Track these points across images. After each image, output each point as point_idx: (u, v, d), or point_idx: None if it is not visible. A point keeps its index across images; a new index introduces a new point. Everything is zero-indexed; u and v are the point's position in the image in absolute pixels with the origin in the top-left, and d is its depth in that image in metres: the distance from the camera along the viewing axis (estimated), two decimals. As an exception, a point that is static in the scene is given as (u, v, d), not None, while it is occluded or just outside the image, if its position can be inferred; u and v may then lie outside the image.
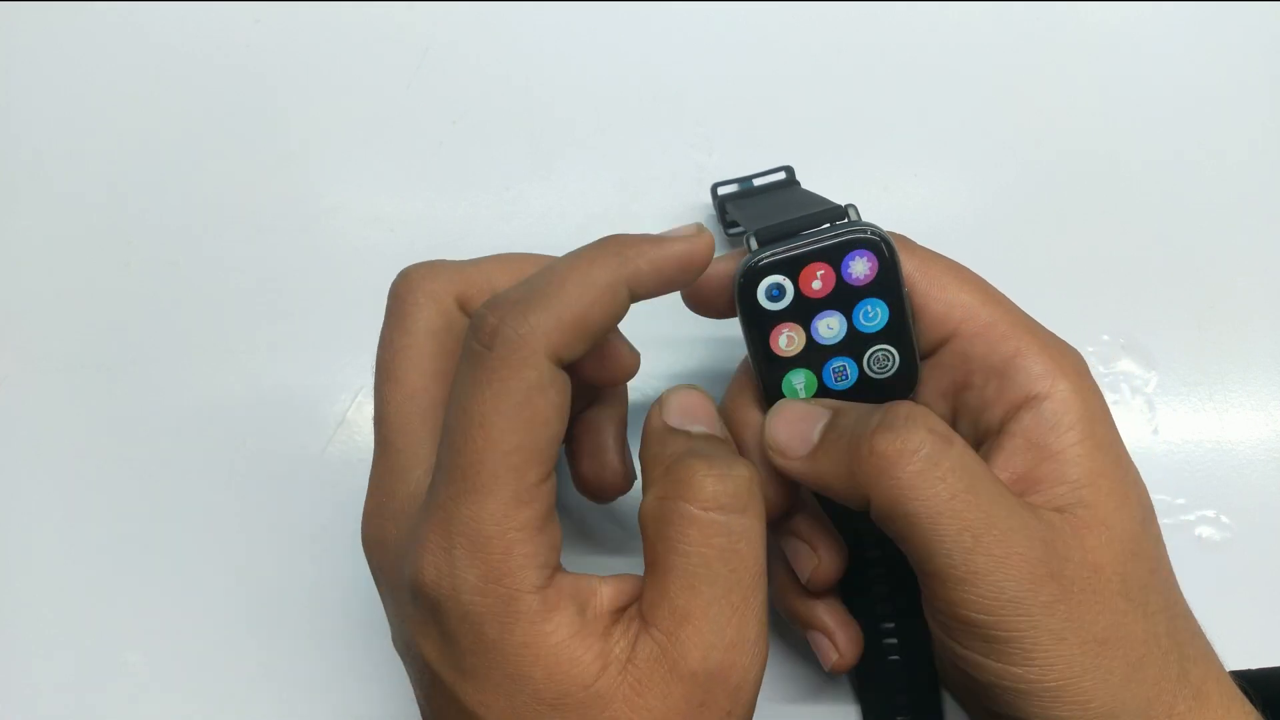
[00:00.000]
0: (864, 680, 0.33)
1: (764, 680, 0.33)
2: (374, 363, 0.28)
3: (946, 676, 0.32)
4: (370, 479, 0.27)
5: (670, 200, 0.40)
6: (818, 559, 0.29)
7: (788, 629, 0.35)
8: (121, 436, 0.39)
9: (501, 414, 0.23)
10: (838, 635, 0.30)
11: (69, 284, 0.41)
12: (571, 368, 0.27)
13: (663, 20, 0.42)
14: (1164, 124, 0.41)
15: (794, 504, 0.30)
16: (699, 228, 0.27)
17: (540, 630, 0.23)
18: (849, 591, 0.31)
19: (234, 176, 0.41)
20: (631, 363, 0.28)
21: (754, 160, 0.39)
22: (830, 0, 0.42)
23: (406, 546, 0.25)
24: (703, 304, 0.30)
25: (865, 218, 0.28)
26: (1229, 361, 0.39)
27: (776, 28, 0.42)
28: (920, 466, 0.25)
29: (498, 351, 0.24)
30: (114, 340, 0.40)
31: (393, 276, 0.29)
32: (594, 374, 0.28)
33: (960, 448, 0.26)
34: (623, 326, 0.29)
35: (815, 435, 0.27)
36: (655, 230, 0.40)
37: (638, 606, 0.25)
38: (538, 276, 0.25)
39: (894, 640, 0.32)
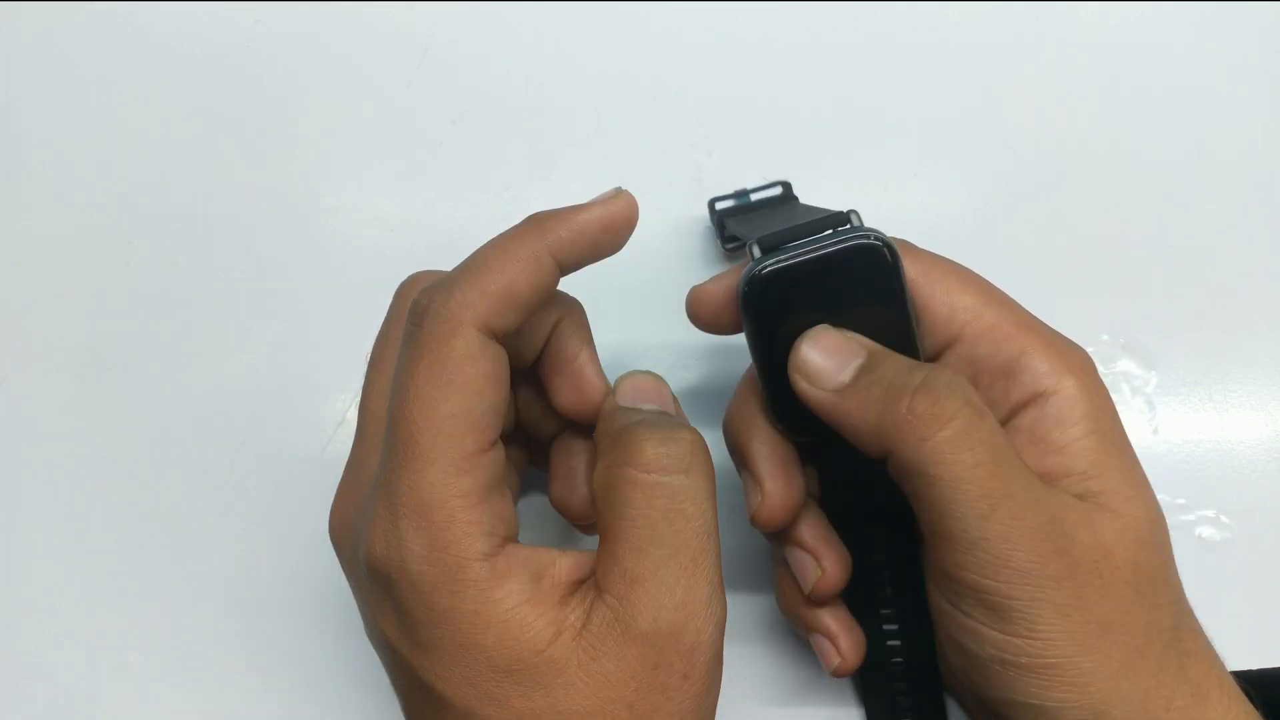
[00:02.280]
0: (867, 684, 0.33)
1: (765, 683, 0.33)
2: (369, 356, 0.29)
3: (949, 678, 0.32)
4: (344, 470, 0.28)
5: (670, 200, 0.40)
6: (821, 571, 0.29)
7: (788, 632, 0.35)
8: (121, 436, 0.39)
9: (433, 384, 0.24)
10: (841, 639, 0.30)
11: (69, 284, 0.41)
12: (539, 391, 0.29)
13: (663, 20, 0.42)
14: (1164, 124, 0.41)
15: (799, 513, 0.30)
16: (618, 190, 0.27)
17: (490, 597, 0.24)
18: (852, 594, 0.31)
19: (234, 177, 0.41)
20: (595, 392, 0.29)
21: (753, 160, 0.39)
22: (830, 0, 0.42)
23: (361, 527, 0.25)
24: (708, 321, 0.30)
25: (866, 220, 0.28)
26: (1229, 361, 0.39)
27: (776, 28, 0.42)
28: (953, 433, 0.25)
29: (427, 327, 0.25)
30: (114, 340, 0.40)
31: (393, 276, 0.29)
32: (563, 401, 0.29)
33: (991, 423, 0.26)
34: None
35: (848, 374, 0.27)
36: (656, 228, 0.40)
37: (594, 576, 0.25)
38: (467, 259, 0.26)
39: (897, 643, 0.32)
